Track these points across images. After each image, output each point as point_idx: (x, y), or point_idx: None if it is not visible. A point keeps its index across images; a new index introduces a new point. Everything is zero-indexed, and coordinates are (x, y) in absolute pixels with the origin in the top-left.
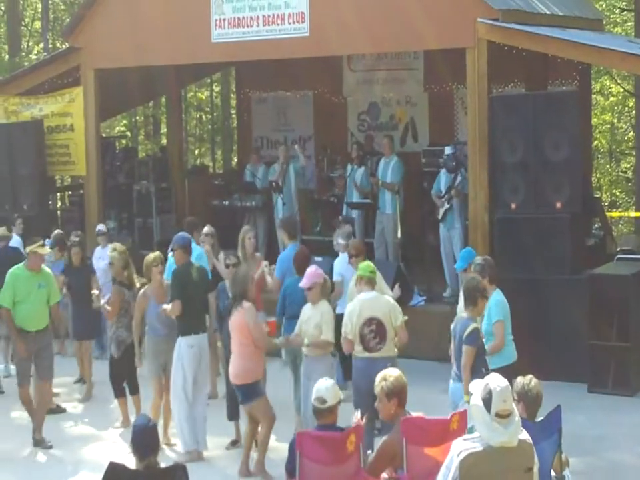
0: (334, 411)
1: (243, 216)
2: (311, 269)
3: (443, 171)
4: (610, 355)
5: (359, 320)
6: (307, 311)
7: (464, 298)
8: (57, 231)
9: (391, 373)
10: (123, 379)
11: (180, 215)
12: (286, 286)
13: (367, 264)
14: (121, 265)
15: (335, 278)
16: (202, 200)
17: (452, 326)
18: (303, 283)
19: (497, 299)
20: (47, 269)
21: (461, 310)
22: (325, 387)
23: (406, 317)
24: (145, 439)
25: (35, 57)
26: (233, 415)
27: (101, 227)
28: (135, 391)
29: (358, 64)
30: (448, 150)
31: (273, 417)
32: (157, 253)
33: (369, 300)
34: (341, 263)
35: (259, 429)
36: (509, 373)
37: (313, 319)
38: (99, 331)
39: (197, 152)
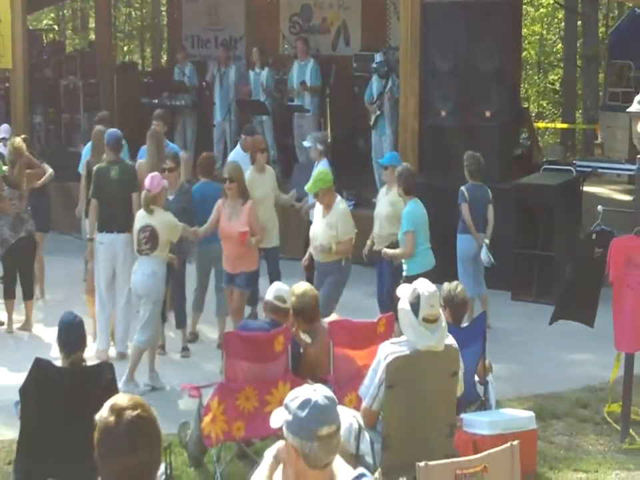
0: (288, 314)
1: (172, 115)
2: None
3: (375, 77)
4: (534, 263)
5: None
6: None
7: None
8: None
9: (296, 289)
10: (12, 280)
11: (107, 112)
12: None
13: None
14: (9, 160)
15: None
16: (131, 97)
17: (465, 195)
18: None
19: (408, 210)
20: None
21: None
22: (285, 288)
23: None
24: (71, 335)
25: None
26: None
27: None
28: (27, 295)
29: None
30: (378, 57)
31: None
32: None
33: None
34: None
35: None
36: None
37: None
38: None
39: (125, 49)
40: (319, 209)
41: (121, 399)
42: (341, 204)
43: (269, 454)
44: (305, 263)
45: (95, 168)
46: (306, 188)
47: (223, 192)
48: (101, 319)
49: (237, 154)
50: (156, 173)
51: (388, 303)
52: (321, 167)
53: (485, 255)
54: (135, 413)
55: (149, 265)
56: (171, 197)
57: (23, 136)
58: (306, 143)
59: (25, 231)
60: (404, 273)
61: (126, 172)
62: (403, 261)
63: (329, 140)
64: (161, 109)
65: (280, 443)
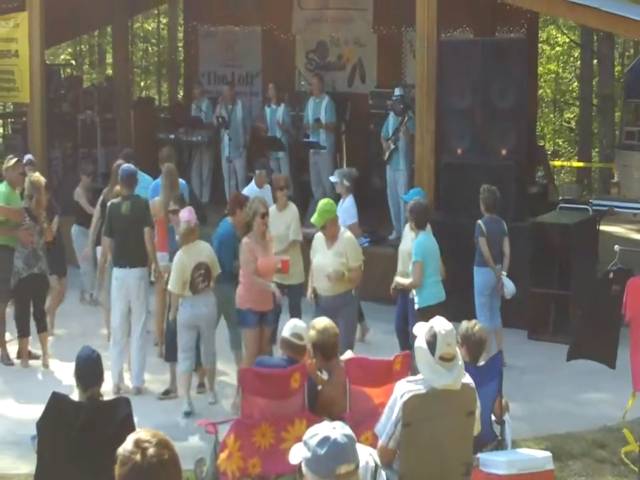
0: (306, 351)
1: (189, 151)
2: (183, 210)
3: (391, 114)
4: (550, 302)
5: None
6: None
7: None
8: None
9: (317, 324)
10: (25, 316)
11: (125, 147)
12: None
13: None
14: (27, 195)
15: (353, 220)
16: (147, 133)
17: (482, 229)
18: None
19: (417, 241)
20: None
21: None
22: (302, 326)
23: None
24: (88, 370)
25: None
26: (169, 356)
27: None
28: (41, 328)
29: (307, 1)
30: (397, 92)
31: (252, 353)
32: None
33: None
34: (351, 206)
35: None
36: (433, 313)
37: None
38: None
39: (142, 84)
40: (320, 241)
41: (145, 434)
42: (346, 232)
43: None
44: (311, 295)
45: (108, 204)
46: (312, 221)
47: (245, 230)
48: (114, 352)
49: (251, 189)
50: (190, 207)
51: (405, 334)
52: (347, 202)
53: (509, 285)
54: (159, 450)
55: (210, 297)
56: (177, 236)
57: (44, 181)
58: (332, 178)
59: (38, 268)
60: (415, 306)
61: (137, 207)
62: (414, 293)
63: (356, 176)
64: (169, 146)
65: None
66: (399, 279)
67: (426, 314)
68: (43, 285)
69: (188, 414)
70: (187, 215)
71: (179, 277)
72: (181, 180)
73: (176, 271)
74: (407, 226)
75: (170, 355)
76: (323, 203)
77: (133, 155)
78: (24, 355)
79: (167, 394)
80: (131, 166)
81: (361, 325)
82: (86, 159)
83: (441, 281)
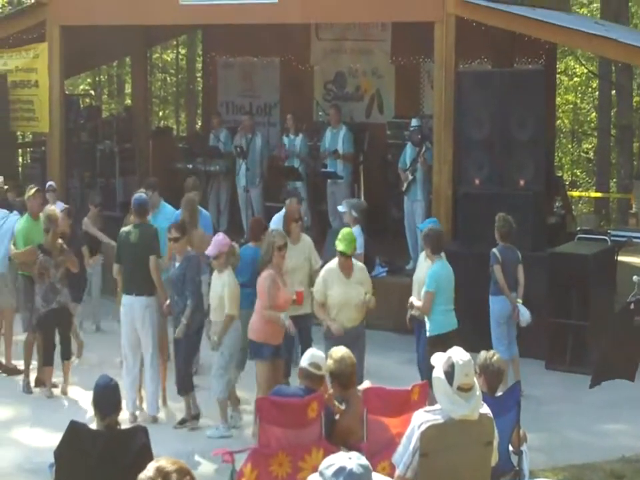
0: (323, 381)
1: (206, 180)
2: (218, 237)
3: (409, 144)
4: (568, 332)
5: None
6: (213, 279)
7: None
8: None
9: (334, 353)
10: (49, 347)
11: (143, 177)
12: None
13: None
14: (44, 229)
15: (360, 251)
16: (165, 162)
17: (497, 257)
18: (209, 251)
19: (432, 270)
20: None
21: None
22: (320, 355)
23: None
24: (106, 398)
25: (0, 10)
26: (182, 389)
27: (50, 183)
28: (65, 355)
29: (326, 33)
30: (414, 122)
31: (267, 386)
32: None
33: None
34: (358, 236)
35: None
36: (445, 341)
37: (214, 289)
38: None
39: (160, 114)
40: (335, 273)
41: (166, 462)
42: (359, 262)
43: None
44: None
45: (119, 232)
46: (343, 249)
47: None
48: (127, 381)
49: (281, 217)
50: (219, 236)
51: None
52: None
53: (525, 313)
54: (181, 477)
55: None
56: (177, 264)
57: (67, 206)
58: (341, 208)
59: (57, 302)
60: (427, 334)
61: (145, 235)
62: (426, 320)
63: (364, 208)
64: (194, 177)
65: None
66: (413, 299)
67: (437, 342)
68: (64, 316)
69: (227, 437)
70: (225, 239)
71: (237, 299)
72: (204, 210)
73: (234, 295)
74: (422, 254)
75: (183, 388)
76: (347, 232)
77: (156, 185)
78: (47, 384)
79: (183, 423)
80: (142, 195)
81: None
82: (94, 190)
83: (454, 309)
